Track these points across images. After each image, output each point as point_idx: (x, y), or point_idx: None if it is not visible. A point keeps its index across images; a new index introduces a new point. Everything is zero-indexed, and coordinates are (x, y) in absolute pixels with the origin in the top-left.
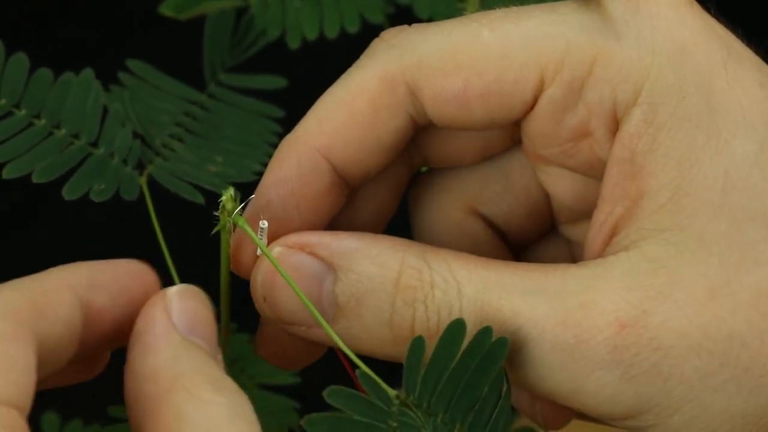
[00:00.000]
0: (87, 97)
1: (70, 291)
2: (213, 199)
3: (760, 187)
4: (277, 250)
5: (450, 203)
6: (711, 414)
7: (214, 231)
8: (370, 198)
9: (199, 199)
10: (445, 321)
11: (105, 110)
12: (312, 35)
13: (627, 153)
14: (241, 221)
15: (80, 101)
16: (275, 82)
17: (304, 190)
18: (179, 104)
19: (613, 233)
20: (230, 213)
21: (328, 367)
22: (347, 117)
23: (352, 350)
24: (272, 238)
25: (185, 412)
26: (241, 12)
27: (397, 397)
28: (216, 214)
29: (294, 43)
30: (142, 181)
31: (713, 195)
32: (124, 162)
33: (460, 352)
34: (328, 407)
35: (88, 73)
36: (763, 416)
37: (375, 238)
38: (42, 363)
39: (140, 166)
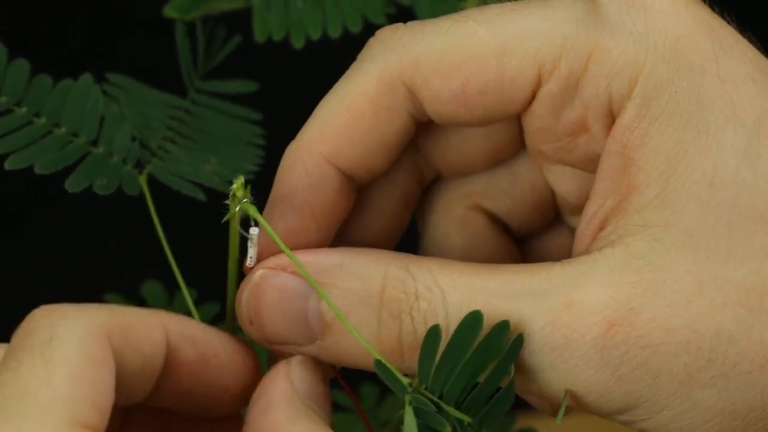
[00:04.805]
0: (86, 100)
1: (161, 330)
2: (212, 198)
3: (748, 182)
4: (259, 273)
5: (455, 199)
6: (699, 409)
7: (224, 219)
8: (381, 212)
9: (201, 196)
10: None
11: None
12: (315, 35)
13: (619, 146)
14: (252, 209)
15: (79, 103)
16: (247, 86)
17: (317, 198)
18: (165, 110)
19: (601, 227)
20: (240, 201)
21: None
22: (349, 120)
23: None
24: (291, 246)
25: None
26: (207, 18)
27: (410, 385)
28: (226, 203)
29: (298, 43)
30: (142, 179)
31: (701, 190)
32: (124, 161)
33: (475, 345)
34: None
35: (86, 78)
36: (751, 411)
37: (357, 253)
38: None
39: (139, 166)
